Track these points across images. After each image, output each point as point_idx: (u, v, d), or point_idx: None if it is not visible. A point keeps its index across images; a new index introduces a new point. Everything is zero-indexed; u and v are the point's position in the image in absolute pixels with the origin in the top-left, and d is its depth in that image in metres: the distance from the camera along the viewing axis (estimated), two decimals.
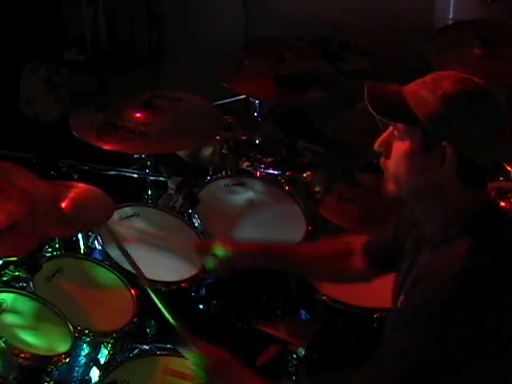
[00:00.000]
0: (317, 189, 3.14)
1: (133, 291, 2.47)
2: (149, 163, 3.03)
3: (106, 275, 2.53)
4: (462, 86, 1.57)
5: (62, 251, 2.67)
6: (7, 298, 2.27)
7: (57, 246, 2.68)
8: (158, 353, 2.34)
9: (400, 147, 1.62)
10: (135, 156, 3.19)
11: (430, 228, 1.70)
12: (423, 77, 1.65)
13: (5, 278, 2.50)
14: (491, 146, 1.57)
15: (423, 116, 1.57)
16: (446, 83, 1.58)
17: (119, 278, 2.51)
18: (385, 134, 1.67)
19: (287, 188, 3.07)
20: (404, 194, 1.67)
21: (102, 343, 2.35)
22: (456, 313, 1.52)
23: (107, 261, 2.57)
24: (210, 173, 3.17)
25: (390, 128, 1.66)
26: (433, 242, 1.67)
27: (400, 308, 1.69)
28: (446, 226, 1.63)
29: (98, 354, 2.34)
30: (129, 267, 2.52)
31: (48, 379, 2.17)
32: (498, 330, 1.54)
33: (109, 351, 2.35)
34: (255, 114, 3.44)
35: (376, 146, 1.68)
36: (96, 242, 2.63)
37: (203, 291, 2.69)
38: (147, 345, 2.42)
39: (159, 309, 2.07)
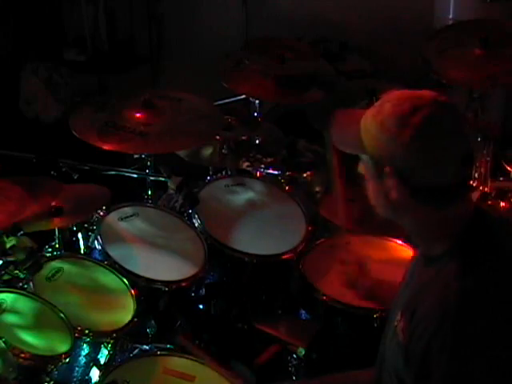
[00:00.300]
0: (317, 189, 3.14)
1: (133, 291, 2.47)
2: (149, 163, 3.03)
3: (106, 275, 2.53)
4: (399, 109, 1.53)
5: (62, 251, 2.67)
6: (7, 298, 2.27)
7: (57, 246, 2.68)
8: (158, 353, 2.33)
9: (365, 173, 1.66)
10: (135, 156, 3.19)
11: (418, 244, 1.70)
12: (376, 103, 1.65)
13: (5, 278, 2.50)
14: (435, 168, 1.52)
15: (367, 143, 1.58)
16: (386, 107, 1.56)
17: (119, 278, 2.51)
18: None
19: (287, 188, 3.07)
20: (383, 214, 1.68)
21: (102, 343, 2.34)
22: (464, 338, 1.49)
23: (107, 261, 2.57)
24: (210, 173, 3.17)
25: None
26: (424, 257, 1.67)
27: (403, 342, 1.63)
28: (430, 242, 1.62)
29: (98, 354, 2.34)
30: (129, 267, 2.53)
31: (48, 379, 2.17)
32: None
33: (109, 351, 2.35)
34: (255, 114, 3.44)
35: (359, 170, 1.71)
36: (96, 242, 2.63)
37: (203, 291, 2.69)
38: (147, 345, 2.42)
39: None
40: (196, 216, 2.78)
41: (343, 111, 1.70)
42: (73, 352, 2.21)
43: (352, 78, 4.12)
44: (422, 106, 1.52)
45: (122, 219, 2.74)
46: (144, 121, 2.81)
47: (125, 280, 2.50)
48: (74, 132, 2.74)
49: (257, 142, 3.26)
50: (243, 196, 2.96)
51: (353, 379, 2.05)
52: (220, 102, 3.57)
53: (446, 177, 1.53)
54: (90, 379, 2.32)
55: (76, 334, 2.23)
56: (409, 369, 1.58)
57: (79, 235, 2.72)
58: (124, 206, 2.80)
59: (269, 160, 3.20)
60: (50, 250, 2.69)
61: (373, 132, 1.56)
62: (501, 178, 2.93)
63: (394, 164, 1.54)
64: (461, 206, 1.58)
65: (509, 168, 2.96)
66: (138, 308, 2.42)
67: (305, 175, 3.17)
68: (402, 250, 2.67)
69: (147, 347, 2.40)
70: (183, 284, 2.57)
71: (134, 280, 2.51)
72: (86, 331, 2.28)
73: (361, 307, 2.44)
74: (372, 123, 1.57)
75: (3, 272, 2.52)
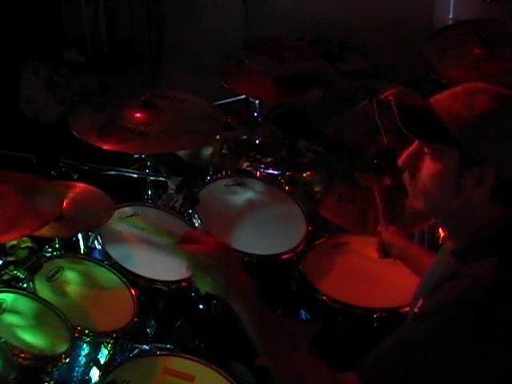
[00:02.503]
0: (317, 189, 3.14)
1: (133, 291, 2.47)
2: (149, 163, 3.03)
3: (105, 275, 2.53)
4: (501, 102, 1.49)
5: (62, 251, 2.67)
6: (7, 298, 2.27)
7: (57, 246, 2.68)
8: (158, 353, 2.33)
9: (431, 167, 1.55)
10: (135, 156, 3.19)
11: (455, 242, 1.65)
12: (451, 88, 1.57)
13: (5, 278, 2.50)
14: None
15: (461, 136, 1.49)
16: (482, 98, 1.49)
17: (119, 278, 2.51)
18: (410, 151, 1.59)
19: (287, 188, 3.07)
20: (432, 212, 1.63)
21: (102, 343, 2.34)
22: (485, 318, 1.46)
23: (107, 261, 2.57)
24: (210, 173, 3.17)
25: (416, 144, 1.58)
26: (455, 250, 1.64)
27: (417, 312, 1.63)
28: (473, 241, 1.58)
29: (98, 354, 2.34)
30: (129, 267, 2.53)
31: (48, 379, 2.16)
32: None
33: (109, 351, 2.34)
34: (255, 114, 3.44)
35: (400, 163, 1.61)
36: (96, 242, 2.63)
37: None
38: (147, 345, 2.42)
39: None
40: (196, 216, 2.78)
41: (401, 96, 1.61)
42: (73, 352, 2.21)
43: (352, 78, 4.12)
44: None
45: (122, 219, 2.74)
46: (144, 121, 2.81)
47: (125, 280, 2.50)
48: (74, 132, 2.73)
49: (257, 141, 3.26)
50: (243, 196, 2.96)
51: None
52: (220, 102, 3.57)
53: None
54: (90, 379, 2.32)
55: (76, 334, 2.23)
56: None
57: (79, 235, 2.71)
58: (124, 206, 2.80)
59: (269, 160, 3.20)
60: (49, 249, 2.69)
61: (472, 124, 1.48)
62: None
63: (496, 160, 1.48)
64: None
65: None
66: (137, 308, 2.42)
67: (305, 175, 3.17)
68: None
69: (147, 347, 2.40)
70: (183, 284, 2.57)
71: (134, 280, 2.51)
72: (86, 331, 2.27)
73: (361, 307, 2.44)
74: (470, 116, 1.48)
75: (3, 272, 2.52)
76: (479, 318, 1.47)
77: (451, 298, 1.50)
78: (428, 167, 1.56)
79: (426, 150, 1.56)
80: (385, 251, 2.28)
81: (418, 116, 1.55)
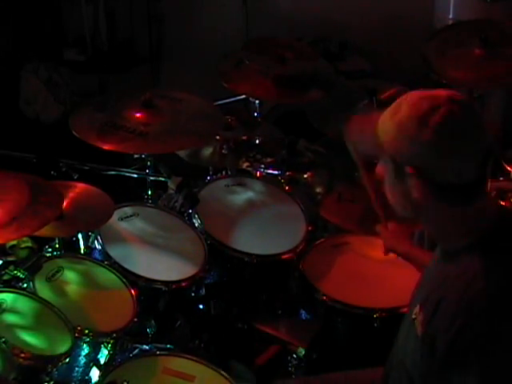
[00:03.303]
0: (317, 189, 3.14)
1: (133, 291, 2.47)
2: (149, 163, 3.03)
3: (105, 275, 2.53)
4: (417, 108, 1.53)
5: (62, 251, 2.67)
6: (7, 298, 2.27)
7: (57, 246, 2.68)
8: (158, 353, 2.33)
9: (385, 175, 1.64)
10: (135, 156, 3.19)
11: (438, 240, 1.70)
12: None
13: (5, 278, 2.50)
14: (456, 166, 1.52)
15: (386, 145, 1.57)
16: (404, 107, 1.55)
17: (119, 278, 2.51)
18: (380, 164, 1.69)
19: (287, 188, 3.07)
20: (403, 214, 1.68)
21: (102, 343, 2.34)
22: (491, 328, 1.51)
23: (107, 261, 2.57)
24: (210, 173, 3.17)
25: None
26: (443, 253, 1.67)
27: (422, 334, 1.63)
28: (451, 239, 1.62)
29: (98, 354, 2.34)
30: (129, 267, 2.53)
31: (48, 379, 2.16)
32: None
33: (109, 351, 2.35)
34: (255, 114, 3.44)
35: (377, 174, 1.69)
36: (96, 242, 2.63)
37: (203, 291, 2.69)
38: (147, 345, 2.42)
39: None
40: (196, 216, 2.78)
41: (359, 116, 1.71)
42: (73, 352, 2.21)
43: (352, 78, 4.12)
44: (440, 105, 1.52)
45: (121, 219, 2.74)
46: (144, 121, 2.81)
47: (125, 280, 2.50)
48: (73, 132, 2.73)
49: (257, 141, 3.26)
50: (243, 196, 2.96)
51: (352, 378, 2.06)
52: (220, 102, 3.56)
53: (468, 174, 1.53)
54: (90, 379, 2.32)
55: (76, 334, 2.23)
56: (430, 358, 1.58)
57: (79, 235, 2.71)
58: (124, 206, 2.80)
59: (269, 160, 3.20)
60: (49, 250, 2.69)
61: (392, 133, 1.56)
62: (501, 178, 2.92)
63: (415, 164, 1.54)
64: (481, 203, 1.58)
65: (509, 168, 2.96)
66: (137, 308, 2.42)
67: (305, 175, 3.17)
68: None
69: (147, 347, 2.40)
70: (183, 284, 2.57)
71: (134, 280, 2.51)
72: (86, 331, 2.28)
73: (361, 307, 2.44)
74: (390, 124, 1.56)
75: (3, 272, 2.52)
76: (481, 332, 1.50)
77: (453, 316, 1.53)
78: (384, 175, 1.65)
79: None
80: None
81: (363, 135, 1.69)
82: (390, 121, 1.57)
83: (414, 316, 1.67)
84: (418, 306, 1.66)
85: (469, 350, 1.50)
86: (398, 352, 1.79)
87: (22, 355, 2.09)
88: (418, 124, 1.52)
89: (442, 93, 1.55)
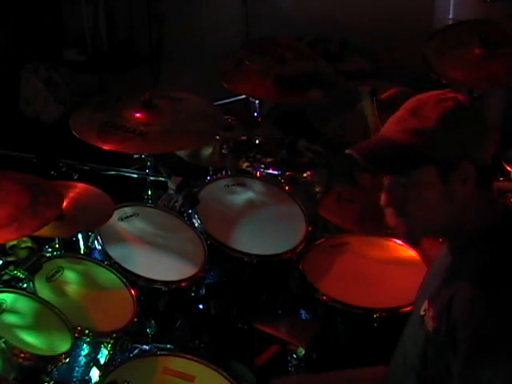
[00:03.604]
0: (317, 189, 3.14)
1: (133, 291, 2.47)
2: (149, 163, 3.03)
3: (105, 275, 2.53)
4: (445, 102, 1.55)
5: (62, 251, 2.67)
6: (7, 298, 2.27)
7: (57, 246, 2.68)
8: (158, 353, 2.33)
9: (418, 193, 1.56)
10: (135, 156, 3.19)
11: (453, 243, 1.67)
12: (393, 115, 1.61)
13: (5, 278, 2.50)
14: (488, 147, 1.57)
15: (429, 150, 1.53)
16: (428, 108, 1.55)
17: (119, 278, 2.51)
18: (386, 190, 1.60)
19: (287, 188, 3.07)
20: (430, 233, 1.66)
21: (102, 343, 2.34)
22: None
23: (107, 261, 2.57)
24: (210, 173, 3.17)
25: (390, 180, 1.60)
26: (451, 249, 1.66)
27: (434, 329, 1.61)
28: (462, 232, 1.61)
29: (97, 354, 2.34)
30: (129, 267, 2.53)
31: (48, 379, 2.16)
32: None
33: (109, 351, 2.35)
34: (255, 114, 3.44)
35: (383, 204, 1.62)
36: (96, 242, 2.63)
37: (203, 291, 2.69)
38: (147, 345, 2.42)
39: None
40: (196, 216, 2.78)
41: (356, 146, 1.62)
42: (73, 352, 2.21)
43: (352, 78, 4.12)
44: (457, 96, 1.57)
45: (122, 219, 2.74)
46: (144, 121, 2.81)
47: (125, 280, 2.50)
48: (73, 132, 2.74)
49: (257, 142, 3.26)
50: (243, 196, 2.96)
51: (354, 377, 2.05)
52: (220, 102, 3.57)
53: (491, 156, 1.56)
54: (90, 379, 2.32)
55: (76, 334, 2.23)
56: (451, 355, 1.55)
57: (79, 235, 2.71)
58: (124, 206, 2.80)
59: (269, 160, 3.20)
60: (50, 250, 2.69)
61: (436, 134, 1.53)
62: (501, 178, 2.92)
63: (468, 154, 1.53)
64: (493, 189, 1.62)
65: (509, 168, 2.96)
66: (137, 308, 2.42)
67: (305, 175, 3.17)
68: (402, 249, 2.67)
69: (147, 347, 2.40)
70: (183, 284, 2.57)
71: (134, 280, 2.51)
72: (86, 331, 2.27)
73: (361, 307, 2.44)
74: (429, 128, 1.53)
75: (3, 272, 2.52)
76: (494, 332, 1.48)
77: (467, 313, 1.51)
78: (414, 195, 1.57)
79: (403, 180, 1.57)
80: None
81: (384, 154, 1.57)
82: (427, 125, 1.53)
83: (422, 313, 1.65)
84: (427, 303, 1.65)
85: (495, 339, 1.48)
86: (405, 353, 1.75)
87: (22, 355, 2.09)
88: (456, 116, 1.54)
89: (445, 91, 1.59)
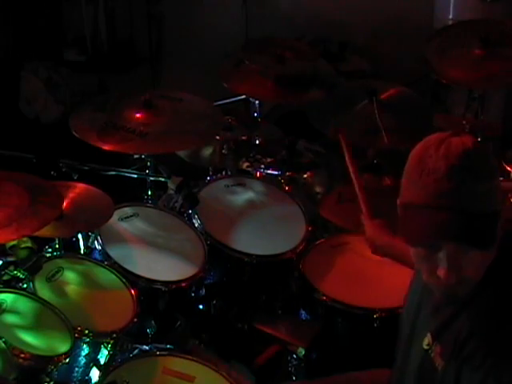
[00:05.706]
0: (317, 189, 3.14)
1: (133, 291, 2.47)
2: (149, 163, 3.03)
3: (105, 275, 2.53)
4: (466, 154, 1.48)
5: (62, 251, 2.67)
6: (7, 298, 2.27)
7: (57, 246, 2.68)
8: (158, 353, 2.33)
9: (478, 255, 1.45)
10: (135, 156, 3.19)
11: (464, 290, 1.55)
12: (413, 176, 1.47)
13: (5, 278, 2.50)
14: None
15: (485, 209, 1.44)
16: (453, 157, 1.45)
17: (119, 278, 2.51)
18: (447, 267, 1.45)
19: (287, 188, 3.07)
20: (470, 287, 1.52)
21: (102, 343, 2.34)
22: None
23: (107, 261, 2.57)
24: (210, 173, 3.17)
25: (452, 251, 1.45)
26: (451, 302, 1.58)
27: (442, 367, 1.55)
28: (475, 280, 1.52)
29: (98, 354, 2.34)
30: (129, 267, 2.53)
31: (48, 379, 2.16)
32: None
33: (109, 351, 2.35)
34: (255, 114, 3.44)
35: (449, 281, 1.46)
36: (96, 242, 2.63)
37: (203, 291, 2.70)
38: (147, 345, 2.42)
39: None
40: (196, 216, 2.78)
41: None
42: (73, 352, 2.21)
43: (352, 78, 4.12)
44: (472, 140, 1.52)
45: (121, 219, 2.74)
46: (144, 121, 2.81)
47: (125, 280, 2.50)
48: (73, 132, 2.74)
49: (257, 142, 3.26)
50: (243, 196, 2.96)
51: (354, 380, 2.04)
52: (220, 102, 3.57)
53: None
54: (90, 379, 2.32)
55: (76, 334, 2.23)
56: None
57: (79, 235, 2.71)
58: (124, 206, 2.80)
59: (269, 160, 3.20)
60: (50, 250, 2.69)
61: (482, 191, 1.45)
62: (501, 178, 2.92)
63: (498, 201, 1.49)
64: None
65: (509, 168, 2.96)
66: (137, 308, 2.42)
67: (305, 176, 3.17)
68: None
69: (147, 347, 2.40)
70: (183, 284, 2.57)
71: (134, 280, 2.51)
72: (86, 331, 2.28)
73: (361, 307, 2.44)
74: (473, 184, 1.44)
75: (3, 272, 2.52)
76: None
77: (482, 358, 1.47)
78: (473, 257, 1.46)
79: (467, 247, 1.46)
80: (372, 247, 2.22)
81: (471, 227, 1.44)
82: (467, 180, 1.44)
83: (426, 347, 1.60)
84: (430, 336, 1.59)
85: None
86: (409, 378, 1.68)
87: (22, 355, 2.09)
88: (488, 168, 1.53)
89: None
